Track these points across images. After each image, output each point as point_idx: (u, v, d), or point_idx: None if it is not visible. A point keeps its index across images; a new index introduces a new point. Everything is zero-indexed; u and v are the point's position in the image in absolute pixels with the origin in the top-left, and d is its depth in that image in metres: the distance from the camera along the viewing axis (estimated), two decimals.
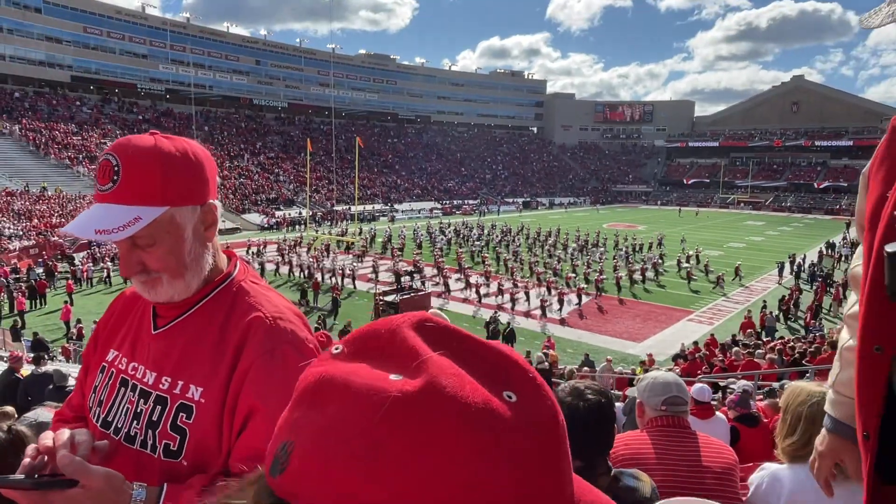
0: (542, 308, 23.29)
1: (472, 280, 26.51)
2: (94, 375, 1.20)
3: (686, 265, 30.48)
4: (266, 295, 1.17)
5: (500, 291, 25.05)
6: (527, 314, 23.64)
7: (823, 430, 1.11)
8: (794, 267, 30.80)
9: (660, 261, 31.13)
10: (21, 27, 59.04)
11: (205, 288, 1.14)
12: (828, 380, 1.14)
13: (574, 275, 27.39)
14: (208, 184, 1.10)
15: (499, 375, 0.39)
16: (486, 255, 32.44)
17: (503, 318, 21.67)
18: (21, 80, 59.68)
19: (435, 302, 24.15)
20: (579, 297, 24.74)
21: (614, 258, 32.02)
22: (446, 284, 26.36)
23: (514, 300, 24.19)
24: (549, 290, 24.97)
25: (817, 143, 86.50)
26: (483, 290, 25.78)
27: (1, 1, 57.01)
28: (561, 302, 23.87)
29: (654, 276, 29.38)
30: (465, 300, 25.36)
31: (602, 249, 35.40)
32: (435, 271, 28.37)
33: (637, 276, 28.34)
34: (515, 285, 25.83)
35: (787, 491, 1.75)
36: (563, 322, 22.83)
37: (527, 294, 24.91)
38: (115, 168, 1.01)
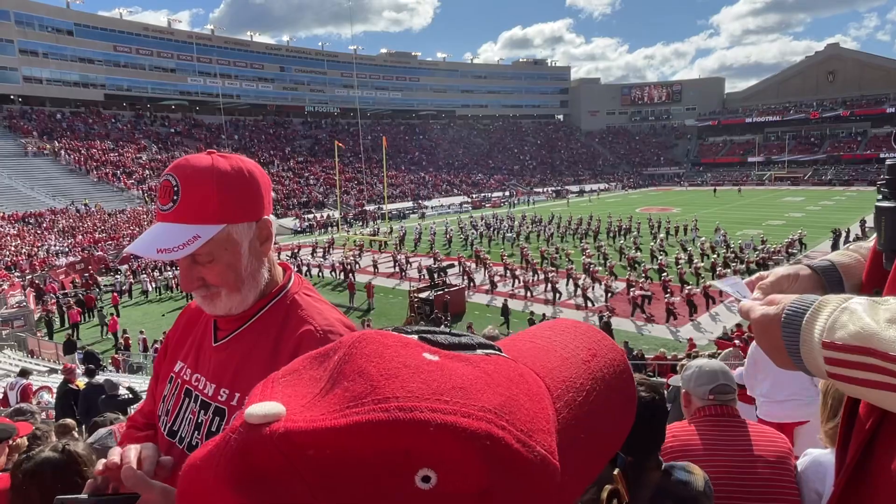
0: (584, 298, 22.76)
1: (515, 273, 26.33)
2: (164, 385, 1.25)
3: (793, 251, 28.26)
4: (318, 307, 1.19)
5: (521, 282, 24.92)
6: (549, 302, 23.37)
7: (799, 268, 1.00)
8: (841, 242, 29.70)
9: (761, 247, 28.41)
10: (55, 50, 61.11)
11: (261, 301, 1.17)
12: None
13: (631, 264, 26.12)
14: (263, 200, 1.14)
15: None
16: (549, 248, 30.67)
17: (539, 309, 21.55)
18: (58, 102, 61.85)
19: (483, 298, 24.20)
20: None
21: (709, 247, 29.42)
22: (492, 280, 26.03)
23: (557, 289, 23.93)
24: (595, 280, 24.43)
25: (856, 112, 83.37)
26: (504, 284, 25.68)
27: (35, 26, 59.10)
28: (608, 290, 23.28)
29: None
30: (488, 292, 25.23)
31: (701, 238, 31.93)
32: (467, 265, 28.24)
33: (753, 267, 25.64)
34: (546, 275, 25.60)
35: (832, 475, 1.70)
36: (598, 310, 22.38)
37: (550, 283, 24.55)
38: (175, 188, 1.04)
